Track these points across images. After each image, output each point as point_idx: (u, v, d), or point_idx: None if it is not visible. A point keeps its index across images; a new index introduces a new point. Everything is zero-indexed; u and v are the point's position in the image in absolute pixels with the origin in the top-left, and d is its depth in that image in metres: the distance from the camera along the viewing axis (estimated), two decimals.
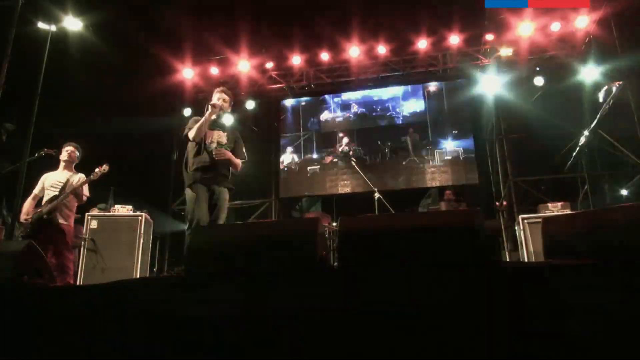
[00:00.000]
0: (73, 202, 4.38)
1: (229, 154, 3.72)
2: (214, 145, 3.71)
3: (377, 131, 9.39)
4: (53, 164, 4.60)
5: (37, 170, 4.72)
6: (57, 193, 4.28)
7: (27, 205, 4.30)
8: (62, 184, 4.35)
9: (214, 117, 3.68)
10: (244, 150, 3.94)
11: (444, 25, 8.47)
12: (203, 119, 3.60)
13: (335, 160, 9.40)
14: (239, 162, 3.83)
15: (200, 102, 10.09)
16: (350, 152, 9.35)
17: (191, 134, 3.63)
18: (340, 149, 9.41)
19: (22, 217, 4.22)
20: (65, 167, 4.50)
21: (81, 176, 4.46)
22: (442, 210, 7.26)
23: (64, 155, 4.47)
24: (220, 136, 3.79)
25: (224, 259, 2.18)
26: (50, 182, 4.38)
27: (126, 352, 1.87)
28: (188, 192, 3.63)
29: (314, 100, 9.94)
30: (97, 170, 4.37)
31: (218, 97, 3.85)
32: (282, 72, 9.58)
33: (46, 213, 4.17)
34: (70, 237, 4.31)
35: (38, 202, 4.36)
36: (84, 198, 4.41)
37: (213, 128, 3.78)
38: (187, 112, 9.89)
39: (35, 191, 4.40)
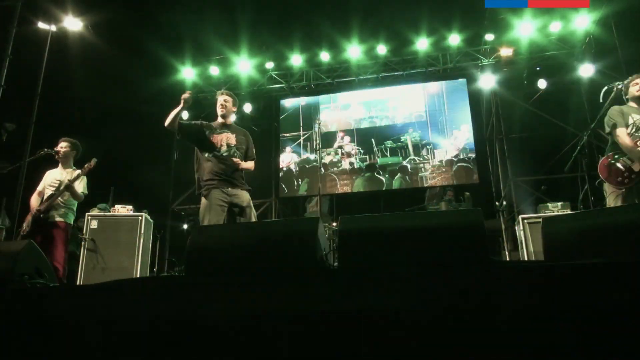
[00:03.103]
0: (72, 199, 4.35)
1: (242, 164, 3.75)
2: (225, 149, 3.75)
3: (377, 131, 9.38)
4: (54, 163, 4.60)
5: (37, 169, 4.72)
6: (54, 192, 4.27)
7: (34, 200, 4.30)
8: (59, 182, 4.33)
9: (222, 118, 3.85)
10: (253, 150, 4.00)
11: (444, 25, 8.47)
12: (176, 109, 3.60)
13: (335, 160, 9.40)
14: (251, 165, 3.90)
15: (200, 102, 10.11)
16: (352, 152, 9.35)
17: (166, 122, 3.62)
18: (337, 146, 9.41)
19: (32, 210, 4.19)
20: (63, 165, 4.45)
21: (76, 172, 4.39)
22: (442, 210, 7.25)
23: (58, 152, 4.41)
24: (230, 138, 3.81)
25: (224, 259, 2.18)
26: (50, 181, 4.37)
27: (126, 352, 1.88)
28: (203, 201, 3.63)
29: (314, 100, 9.94)
30: (85, 165, 4.33)
31: (219, 101, 3.89)
32: (282, 72, 9.57)
33: (43, 212, 4.17)
34: (67, 234, 4.27)
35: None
36: (80, 195, 4.35)
37: (221, 132, 3.80)
38: (185, 114, 9.90)
39: (39, 188, 4.39)
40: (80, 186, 4.35)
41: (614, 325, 1.45)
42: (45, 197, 4.29)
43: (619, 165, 3.35)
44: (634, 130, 3.47)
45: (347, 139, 9.49)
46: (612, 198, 3.37)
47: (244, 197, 3.71)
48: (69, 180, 4.23)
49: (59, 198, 4.24)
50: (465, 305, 1.61)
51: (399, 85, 9.48)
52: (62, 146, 4.44)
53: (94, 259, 5.59)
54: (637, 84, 3.67)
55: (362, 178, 9.08)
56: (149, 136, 9.04)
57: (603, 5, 7.50)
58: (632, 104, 3.65)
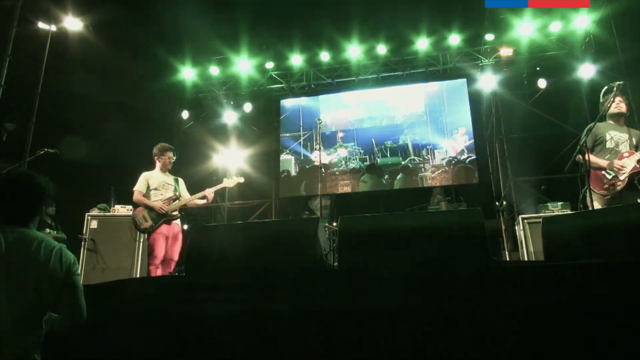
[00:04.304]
0: None
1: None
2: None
3: (377, 131, 9.38)
4: (54, 163, 4.61)
5: (37, 170, 4.71)
6: (172, 194, 4.55)
7: (145, 200, 4.48)
8: (171, 186, 4.62)
9: None
10: None
11: (444, 25, 8.46)
12: None
13: (335, 160, 9.40)
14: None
15: (200, 101, 10.11)
16: (346, 154, 9.36)
17: None
18: (338, 146, 9.42)
19: (158, 207, 4.40)
20: (162, 170, 4.72)
21: (182, 181, 4.78)
22: (442, 210, 7.26)
23: (162, 161, 4.71)
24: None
25: (224, 258, 2.19)
26: (158, 183, 4.58)
27: (126, 350, 1.88)
28: None
29: (314, 100, 9.94)
30: (230, 180, 4.83)
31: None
32: (282, 72, 9.57)
33: (172, 211, 4.45)
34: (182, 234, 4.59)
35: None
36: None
37: None
38: (184, 114, 9.91)
39: (141, 189, 4.54)
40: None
41: (614, 324, 1.45)
42: (161, 197, 4.50)
43: (604, 174, 3.56)
44: (613, 145, 3.66)
45: (347, 139, 9.48)
46: (597, 205, 3.52)
47: None
48: (215, 188, 4.63)
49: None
50: (465, 305, 1.61)
51: (399, 85, 9.48)
52: (171, 156, 4.77)
53: (94, 259, 5.59)
54: (618, 103, 3.77)
55: (366, 178, 9.09)
56: (149, 136, 9.04)
57: (603, 5, 7.49)
58: (609, 120, 3.81)
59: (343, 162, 9.37)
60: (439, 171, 8.83)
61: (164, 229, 4.39)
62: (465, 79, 9.17)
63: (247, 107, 9.78)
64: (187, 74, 9.68)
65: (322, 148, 5.39)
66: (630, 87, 7.03)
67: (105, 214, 5.89)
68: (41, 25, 6.07)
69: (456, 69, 9.02)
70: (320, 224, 2.17)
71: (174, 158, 4.80)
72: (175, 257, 4.45)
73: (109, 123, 7.92)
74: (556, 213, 5.48)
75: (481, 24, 8.49)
